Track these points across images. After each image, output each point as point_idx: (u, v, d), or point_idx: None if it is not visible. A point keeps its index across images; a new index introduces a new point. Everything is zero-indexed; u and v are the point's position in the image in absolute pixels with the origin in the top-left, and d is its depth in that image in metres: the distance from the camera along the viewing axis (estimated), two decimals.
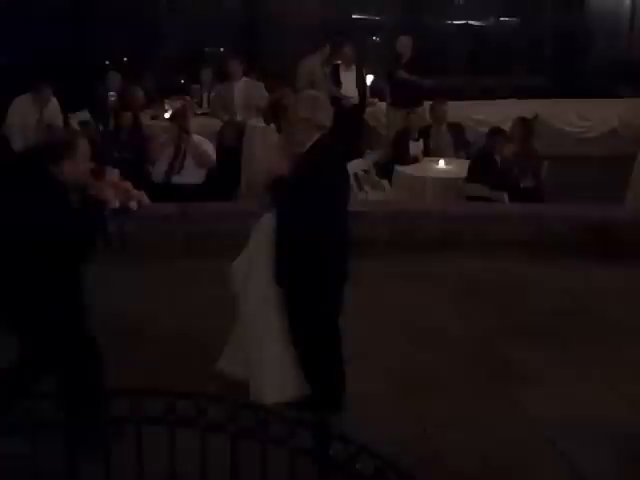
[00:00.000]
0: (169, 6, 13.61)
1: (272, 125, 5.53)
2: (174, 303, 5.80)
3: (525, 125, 8.18)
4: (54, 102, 9.18)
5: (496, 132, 8.02)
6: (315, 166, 4.16)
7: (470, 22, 14.71)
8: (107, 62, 12.62)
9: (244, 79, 9.71)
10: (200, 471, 2.61)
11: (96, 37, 12.50)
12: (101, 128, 9.74)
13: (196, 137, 8.14)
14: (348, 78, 10.49)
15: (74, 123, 10.16)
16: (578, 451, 4.10)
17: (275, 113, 5.33)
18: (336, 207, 4.27)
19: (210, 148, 8.26)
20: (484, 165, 7.81)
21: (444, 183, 8.18)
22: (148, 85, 10.87)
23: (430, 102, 9.60)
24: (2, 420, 2.47)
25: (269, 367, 4.43)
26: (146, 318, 5.55)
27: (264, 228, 4.39)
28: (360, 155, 9.17)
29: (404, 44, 10.44)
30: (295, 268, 4.21)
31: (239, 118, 9.62)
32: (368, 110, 11.05)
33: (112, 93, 10.41)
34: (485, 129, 8.93)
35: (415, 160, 8.71)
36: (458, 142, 9.12)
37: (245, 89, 9.64)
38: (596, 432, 4.26)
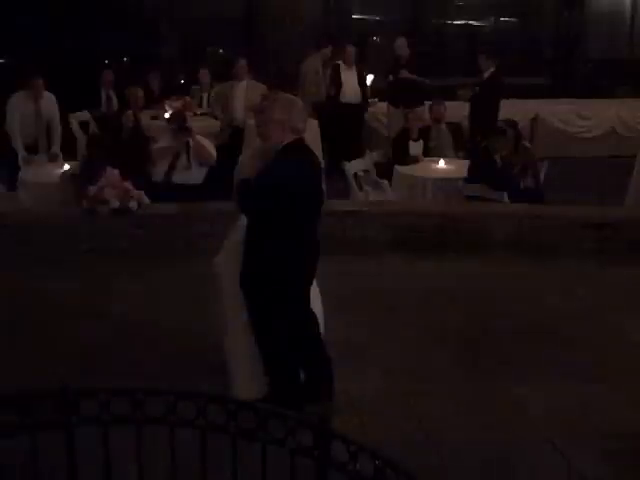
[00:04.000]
0: (169, 6, 13.61)
1: None
2: (174, 303, 5.80)
3: (513, 125, 8.17)
4: (48, 95, 9.19)
5: (496, 132, 8.02)
6: (285, 166, 4.09)
7: (470, 22, 14.73)
8: (106, 61, 12.64)
9: (248, 80, 9.71)
10: (200, 471, 2.61)
11: (96, 37, 12.50)
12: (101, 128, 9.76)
13: (197, 136, 8.15)
14: (349, 78, 10.51)
15: (74, 123, 10.18)
16: (578, 451, 4.09)
17: None
18: (304, 210, 4.19)
19: (211, 147, 8.26)
20: (484, 165, 7.81)
21: (444, 183, 8.18)
22: (148, 85, 10.88)
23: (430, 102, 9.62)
24: (2, 420, 2.47)
25: (241, 363, 4.46)
26: (146, 318, 5.55)
27: (240, 228, 4.38)
28: (360, 155, 9.17)
29: (401, 46, 10.46)
30: (259, 268, 4.18)
31: (239, 118, 9.62)
32: (368, 110, 11.06)
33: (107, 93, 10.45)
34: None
35: (415, 160, 8.71)
36: (458, 142, 9.12)
37: (248, 89, 9.64)
38: (596, 432, 4.26)
